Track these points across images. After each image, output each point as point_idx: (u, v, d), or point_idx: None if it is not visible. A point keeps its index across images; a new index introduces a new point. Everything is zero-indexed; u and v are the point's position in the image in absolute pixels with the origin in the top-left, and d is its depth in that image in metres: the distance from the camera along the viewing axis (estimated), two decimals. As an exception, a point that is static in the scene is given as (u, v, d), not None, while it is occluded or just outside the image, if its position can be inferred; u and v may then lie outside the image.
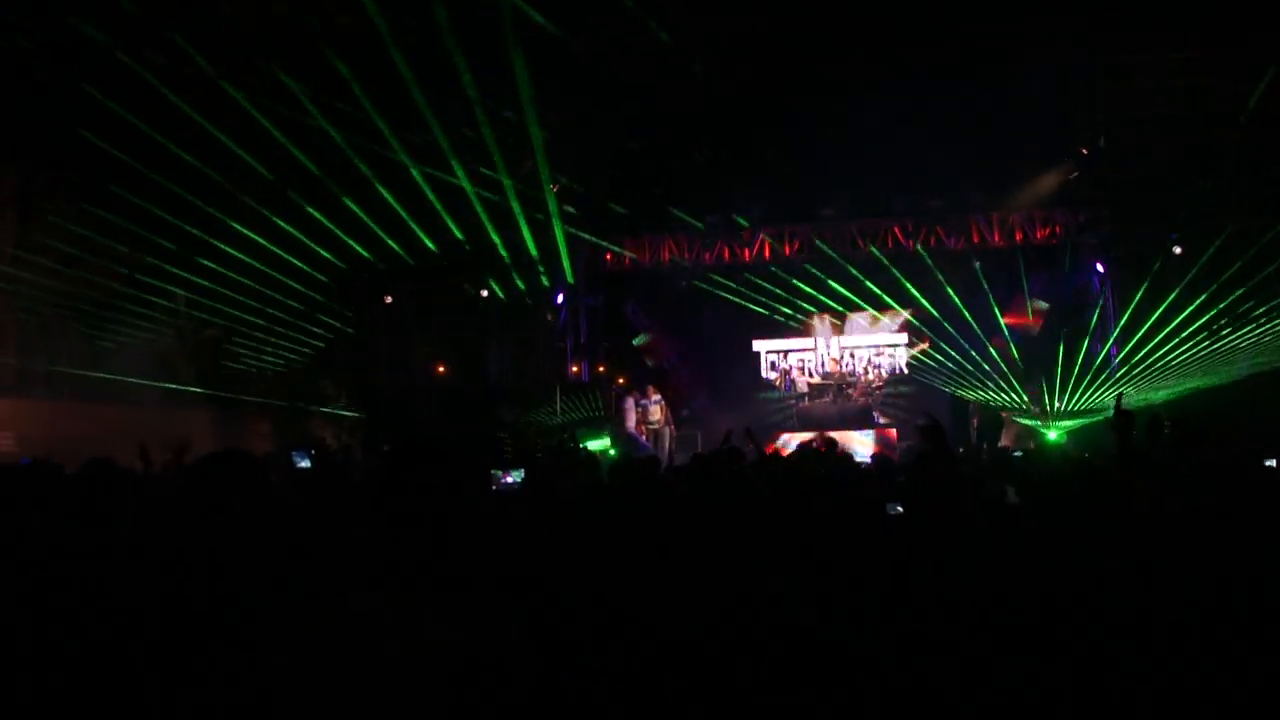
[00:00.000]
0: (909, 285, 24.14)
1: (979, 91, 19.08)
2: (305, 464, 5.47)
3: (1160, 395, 18.98)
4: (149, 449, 7.71)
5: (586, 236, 24.78)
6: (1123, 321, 21.61)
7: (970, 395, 22.72)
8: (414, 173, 20.49)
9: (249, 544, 3.23)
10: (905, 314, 25.76)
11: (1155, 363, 20.25)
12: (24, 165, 19.51)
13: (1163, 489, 4.23)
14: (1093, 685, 3.14)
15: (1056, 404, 21.16)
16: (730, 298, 25.19)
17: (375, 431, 20.69)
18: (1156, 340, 20.29)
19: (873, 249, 24.01)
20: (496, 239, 22.65)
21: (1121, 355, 21.48)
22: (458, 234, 22.26)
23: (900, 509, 4.32)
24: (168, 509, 4.59)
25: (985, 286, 23.38)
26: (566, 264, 24.47)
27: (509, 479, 7.63)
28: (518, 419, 21.47)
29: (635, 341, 27.13)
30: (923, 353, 25.50)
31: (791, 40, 18.82)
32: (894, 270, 23.99)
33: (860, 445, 23.89)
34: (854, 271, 24.02)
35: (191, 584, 3.07)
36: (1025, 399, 22.03)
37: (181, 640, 2.67)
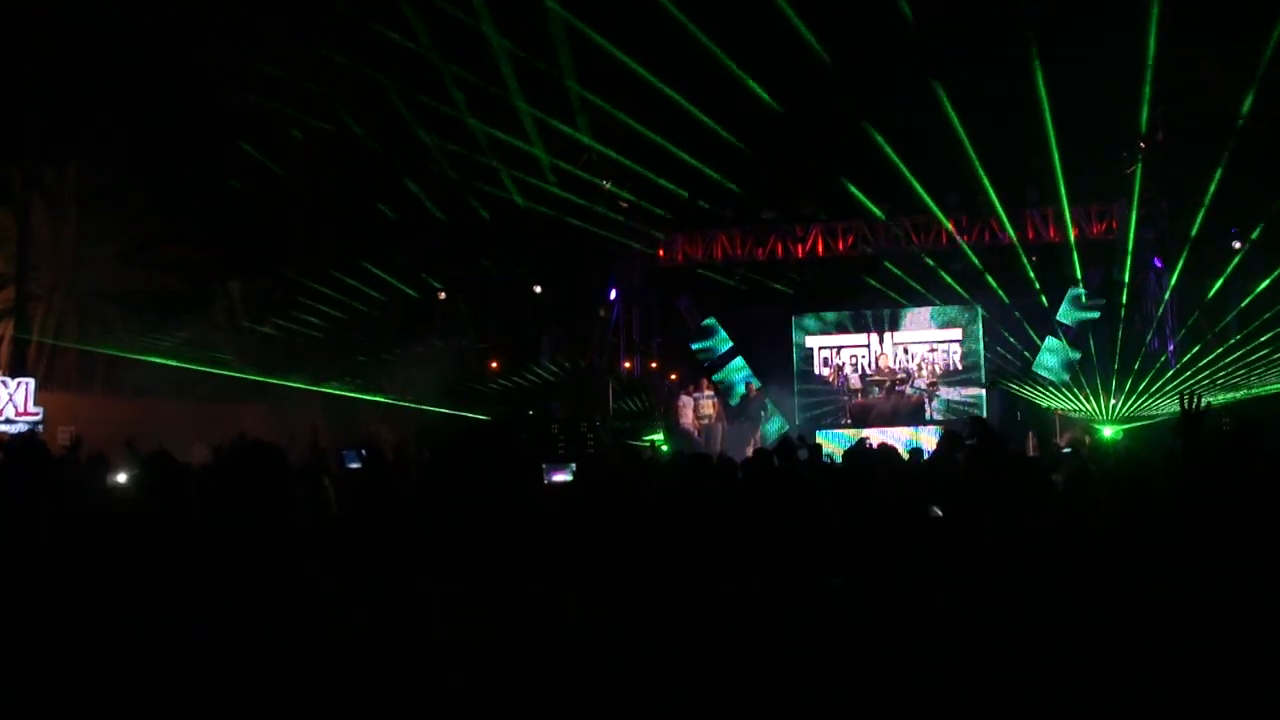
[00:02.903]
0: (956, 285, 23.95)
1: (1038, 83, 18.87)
2: (356, 465, 5.49)
3: (1221, 397, 18.57)
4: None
5: (632, 243, 24.83)
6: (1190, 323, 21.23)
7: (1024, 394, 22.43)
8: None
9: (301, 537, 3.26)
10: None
11: (1216, 362, 19.87)
12: (85, 160, 19.82)
13: (1224, 490, 4.14)
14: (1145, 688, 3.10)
15: (1111, 402, 20.80)
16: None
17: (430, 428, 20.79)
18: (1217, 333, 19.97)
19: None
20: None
21: (1178, 350, 21.15)
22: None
23: (939, 512, 4.26)
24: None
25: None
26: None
27: (559, 475, 7.56)
28: (570, 414, 21.49)
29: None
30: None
31: (845, 36, 18.67)
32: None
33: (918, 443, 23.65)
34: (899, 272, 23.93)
35: (247, 572, 3.11)
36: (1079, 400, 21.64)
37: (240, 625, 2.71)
